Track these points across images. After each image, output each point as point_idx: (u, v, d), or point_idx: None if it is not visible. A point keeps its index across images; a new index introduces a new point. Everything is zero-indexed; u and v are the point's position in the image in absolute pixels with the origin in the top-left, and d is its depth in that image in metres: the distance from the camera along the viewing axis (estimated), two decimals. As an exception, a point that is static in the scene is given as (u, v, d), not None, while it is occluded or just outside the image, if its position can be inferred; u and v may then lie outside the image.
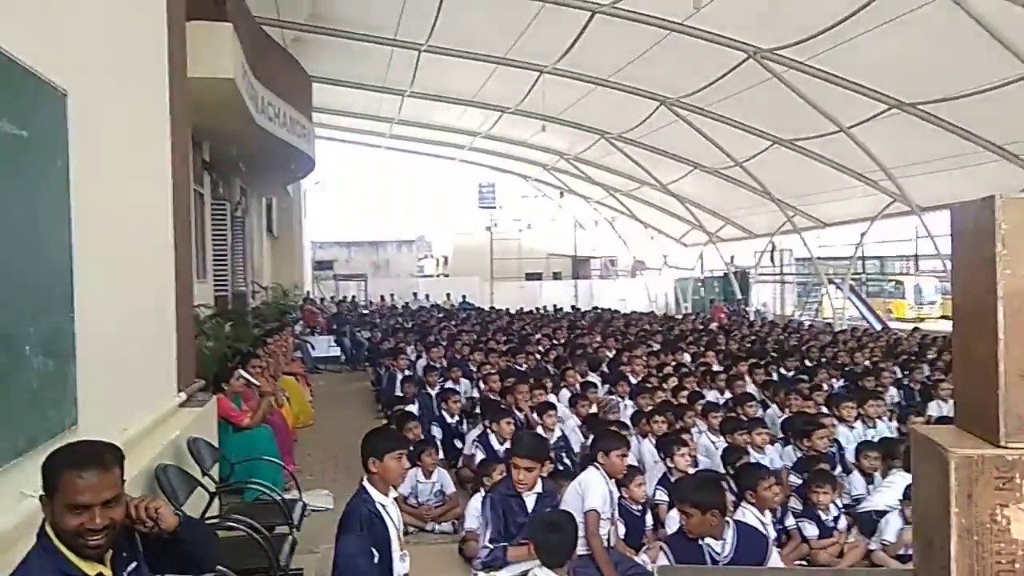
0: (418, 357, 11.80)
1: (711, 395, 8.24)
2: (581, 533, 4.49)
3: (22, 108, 2.88)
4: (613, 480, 4.78)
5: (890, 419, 7.62)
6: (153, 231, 4.93)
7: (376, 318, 21.31)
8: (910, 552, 5.04)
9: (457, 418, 7.90)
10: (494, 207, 39.51)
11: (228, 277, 14.16)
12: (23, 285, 2.88)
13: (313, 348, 15.26)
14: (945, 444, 2.40)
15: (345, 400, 12.15)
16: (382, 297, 29.87)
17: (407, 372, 10.10)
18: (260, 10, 13.82)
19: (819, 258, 24.14)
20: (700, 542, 3.78)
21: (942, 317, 27.33)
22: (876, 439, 6.63)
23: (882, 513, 5.24)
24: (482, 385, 8.90)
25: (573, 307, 27.50)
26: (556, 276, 38.89)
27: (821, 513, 5.24)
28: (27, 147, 2.91)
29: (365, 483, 3.96)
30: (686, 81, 16.52)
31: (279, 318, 14.57)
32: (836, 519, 5.32)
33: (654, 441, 6.25)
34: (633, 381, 8.66)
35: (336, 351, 16.22)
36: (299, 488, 5.51)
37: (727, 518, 3.93)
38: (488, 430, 6.53)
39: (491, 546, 4.43)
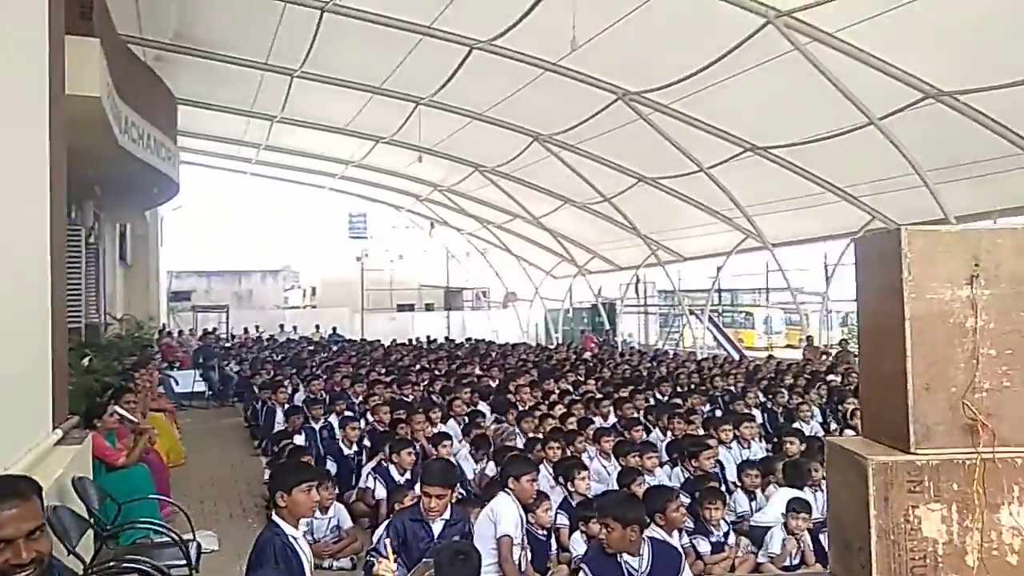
0: (295, 391, 11.41)
1: (597, 421, 8.47)
2: (494, 560, 4.51)
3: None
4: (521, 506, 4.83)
5: (759, 440, 8.14)
6: (30, 257, 4.56)
7: (243, 351, 20.39)
8: (795, 563, 5.42)
9: (356, 448, 7.69)
10: (365, 237, 38.96)
11: (82, 308, 13.17)
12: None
13: (177, 383, 14.39)
14: (862, 453, 2.64)
15: (216, 437, 11.54)
16: (246, 329, 28.63)
17: (287, 406, 9.73)
18: (122, 27, 13.13)
19: (681, 290, 25.50)
20: (618, 559, 3.88)
21: (788, 346, 29.45)
22: (752, 459, 7.07)
23: (767, 528, 5.58)
24: (370, 417, 8.72)
25: (447, 338, 27.49)
26: (428, 307, 38.74)
27: (712, 529, 5.51)
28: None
29: (275, 517, 3.90)
30: (559, 118, 17.08)
31: (140, 351, 13.66)
32: (726, 535, 5.61)
33: (550, 467, 6.35)
34: (520, 409, 8.77)
35: (202, 386, 15.36)
36: (192, 527, 5.18)
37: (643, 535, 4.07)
38: (387, 462, 6.40)
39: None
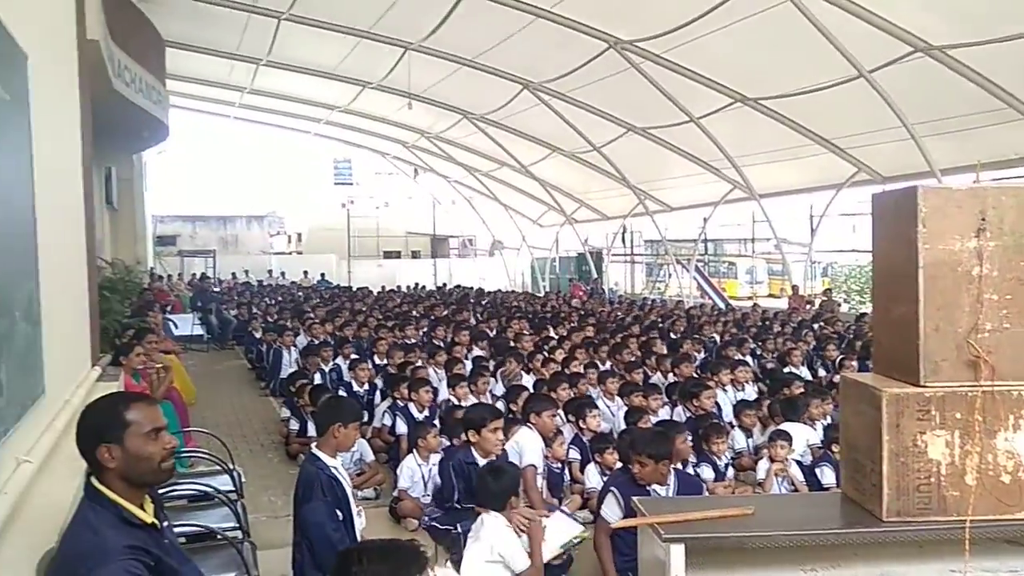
0: (296, 334, 11.66)
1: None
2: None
3: (4, 72, 2.79)
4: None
5: (751, 384, 8.56)
6: (70, 199, 4.72)
7: (234, 295, 20.52)
8: (786, 486, 5.81)
9: (367, 387, 8.02)
10: (350, 183, 38.76)
11: (78, 252, 13.23)
12: (8, 249, 2.80)
13: (176, 326, 14.57)
14: (877, 386, 2.97)
15: (220, 378, 11.81)
16: (233, 275, 28.66)
17: (293, 348, 10.00)
18: (109, -35, 12.91)
19: (668, 240, 25.83)
20: (648, 487, 4.23)
21: (770, 295, 30.05)
22: (747, 399, 7.48)
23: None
24: (377, 359, 9.01)
25: (441, 285, 27.73)
26: (415, 255, 38.85)
27: (716, 459, 5.90)
28: (8, 110, 2.82)
29: (315, 450, 4.11)
30: (550, 66, 17.05)
31: (140, 294, 13.79)
32: (726, 466, 6.01)
33: (560, 406, 6.70)
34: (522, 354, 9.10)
35: (199, 329, 15.54)
36: (231, 456, 5.43)
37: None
38: (406, 400, 6.72)
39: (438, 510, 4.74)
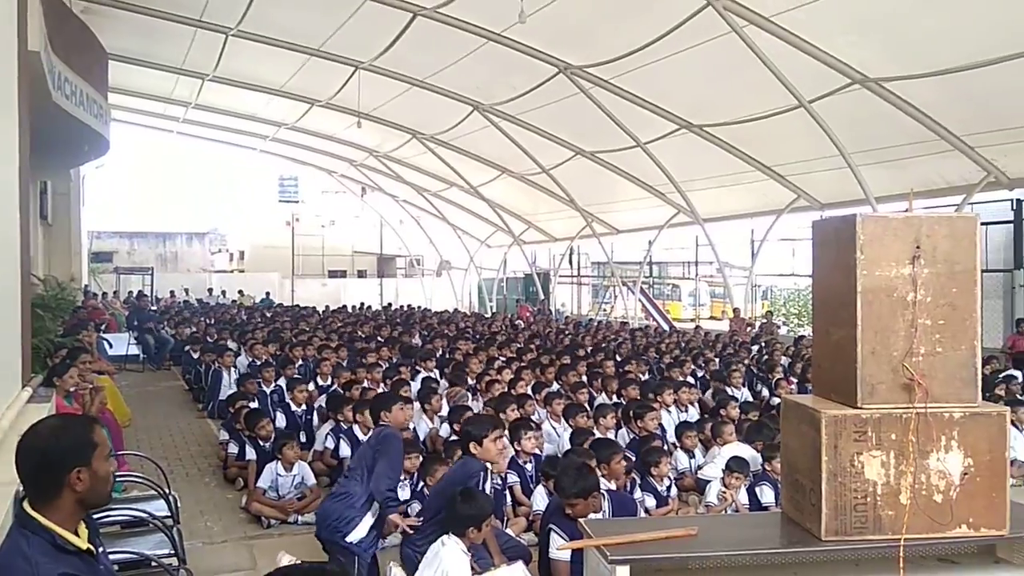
0: (237, 355, 11.40)
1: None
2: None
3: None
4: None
5: (695, 405, 8.68)
6: (6, 214, 4.56)
7: (173, 315, 19.99)
8: (731, 511, 5.91)
9: (304, 407, 7.88)
10: (296, 201, 38.27)
11: (8, 267, 12.73)
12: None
13: (111, 346, 14.09)
14: (816, 408, 3.04)
15: (156, 399, 11.47)
16: (172, 293, 27.92)
17: (234, 369, 9.77)
18: (50, -25, 12.57)
19: (614, 262, 26.14)
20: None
21: (712, 317, 30.57)
22: (689, 421, 7.58)
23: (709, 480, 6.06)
24: (319, 380, 8.87)
25: (387, 305, 27.50)
26: (361, 274, 38.43)
27: (657, 485, 5.95)
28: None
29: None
30: (500, 89, 17.20)
31: (74, 312, 13.32)
32: (668, 489, 6.06)
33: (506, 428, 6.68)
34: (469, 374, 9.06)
35: (135, 349, 15.07)
36: (167, 480, 5.26)
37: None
38: (351, 423, 6.61)
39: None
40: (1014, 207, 16.44)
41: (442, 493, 4.54)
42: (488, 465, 4.65)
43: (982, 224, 14.78)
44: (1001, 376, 10.06)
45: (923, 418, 2.95)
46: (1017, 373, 11.12)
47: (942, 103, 11.99)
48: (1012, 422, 7.65)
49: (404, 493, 5.74)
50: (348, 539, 4.57)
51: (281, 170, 36.74)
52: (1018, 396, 8.95)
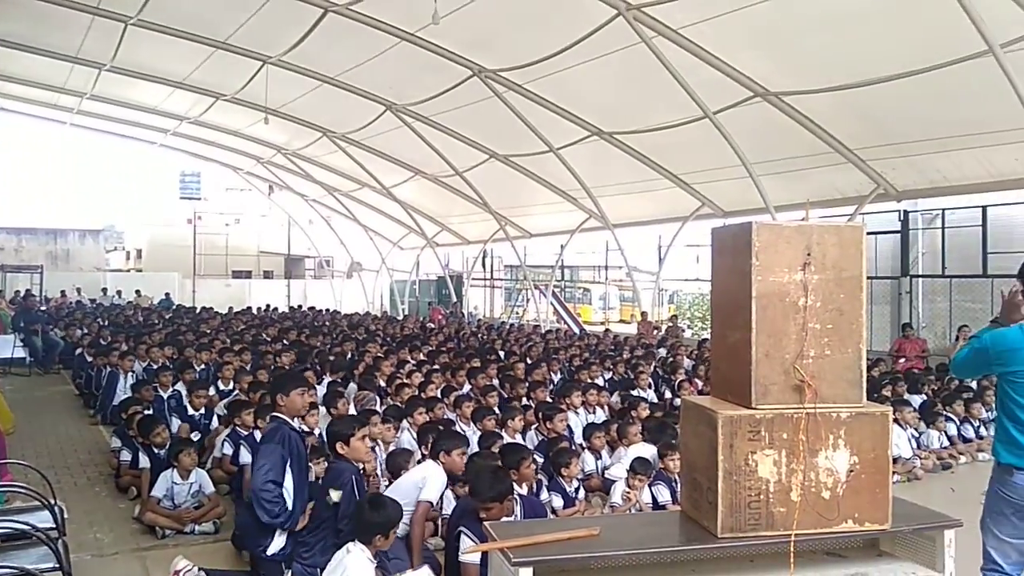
0: (135, 358, 10.88)
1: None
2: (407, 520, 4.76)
3: None
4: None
5: (603, 407, 8.82)
6: None
7: (63, 316, 18.93)
8: (635, 511, 6.02)
9: (203, 411, 7.59)
10: (199, 198, 36.87)
11: None
12: None
13: (-8, 349, 13.24)
14: (713, 408, 3.13)
15: (44, 405, 10.83)
16: (63, 292, 26.42)
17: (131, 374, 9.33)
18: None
19: (527, 265, 26.34)
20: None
21: (621, 321, 31.24)
22: (596, 422, 7.70)
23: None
24: (221, 385, 8.57)
25: (296, 307, 26.82)
26: (267, 275, 37.33)
27: (566, 486, 6.01)
28: None
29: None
30: (414, 89, 17.07)
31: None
32: (576, 490, 6.13)
33: (415, 431, 6.62)
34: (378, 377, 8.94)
35: (21, 352, 14.16)
36: (52, 491, 4.95)
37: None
38: (251, 428, 6.41)
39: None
40: (901, 218, 17.48)
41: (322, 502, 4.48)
42: (360, 467, 4.57)
43: (872, 234, 15.68)
44: (888, 377, 10.64)
45: (812, 418, 3.08)
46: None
47: (837, 118, 12.62)
48: (896, 421, 8.14)
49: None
50: (268, 552, 4.44)
51: (183, 165, 35.32)
52: (904, 397, 9.48)
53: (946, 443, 8.63)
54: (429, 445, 5.81)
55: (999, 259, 15.68)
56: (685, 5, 10.96)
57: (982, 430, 9.10)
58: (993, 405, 9.31)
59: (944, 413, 8.98)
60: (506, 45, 13.98)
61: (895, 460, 7.60)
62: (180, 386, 8.77)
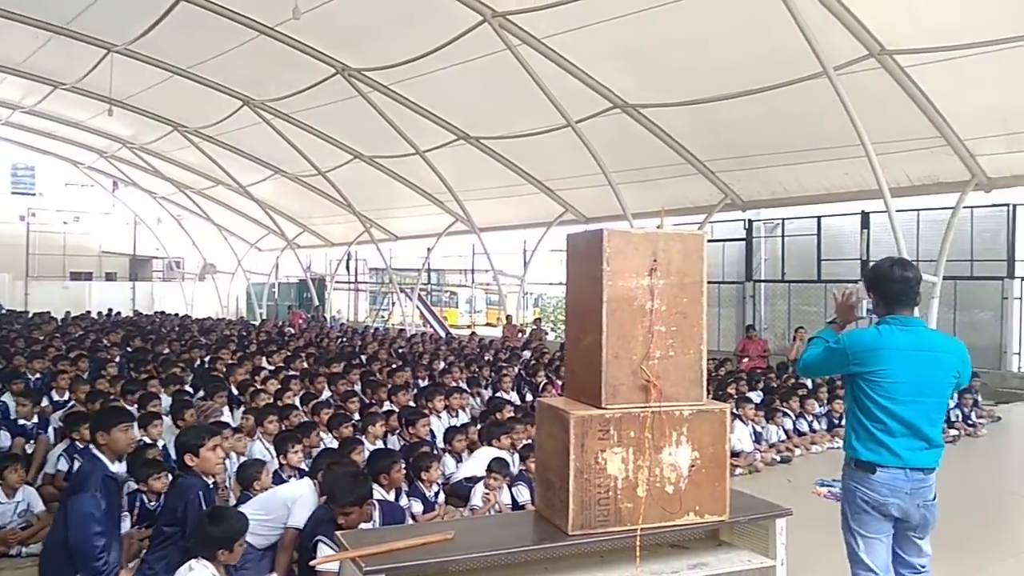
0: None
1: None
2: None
3: None
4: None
5: (466, 410, 8.86)
6: None
7: None
8: (493, 512, 6.07)
9: (36, 420, 6.98)
10: (33, 194, 33.96)
11: None
12: None
13: None
14: (566, 409, 3.21)
15: None
16: None
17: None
18: None
19: (392, 269, 26.05)
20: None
21: (487, 324, 31.49)
22: (457, 426, 7.71)
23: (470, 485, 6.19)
24: (55, 396, 7.93)
25: (137, 312, 25.18)
26: (110, 277, 34.82)
27: (425, 490, 5.98)
28: None
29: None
30: (274, 85, 16.54)
31: None
32: (436, 494, 6.11)
33: (269, 441, 6.39)
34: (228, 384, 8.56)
35: None
36: None
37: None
38: (87, 442, 5.94)
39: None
40: (746, 226, 18.67)
41: (166, 520, 4.23)
42: (209, 481, 4.32)
43: (720, 241, 16.59)
44: (732, 376, 11.30)
45: (657, 416, 3.22)
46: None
47: (690, 131, 13.32)
48: (739, 417, 8.66)
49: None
50: None
51: (15, 158, 32.40)
52: (746, 394, 10.10)
53: (783, 437, 9.24)
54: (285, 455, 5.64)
55: (831, 266, 17.08)
56: (549, 15, 11.23)
57: (815, 424, 9.82)
58: (825, 400, 10.23)
59: (782, 409, 9.60)
60: (371, 45, 13.81)
61: (738, 454, 8.07)
62: (8, 397, 8.03)
